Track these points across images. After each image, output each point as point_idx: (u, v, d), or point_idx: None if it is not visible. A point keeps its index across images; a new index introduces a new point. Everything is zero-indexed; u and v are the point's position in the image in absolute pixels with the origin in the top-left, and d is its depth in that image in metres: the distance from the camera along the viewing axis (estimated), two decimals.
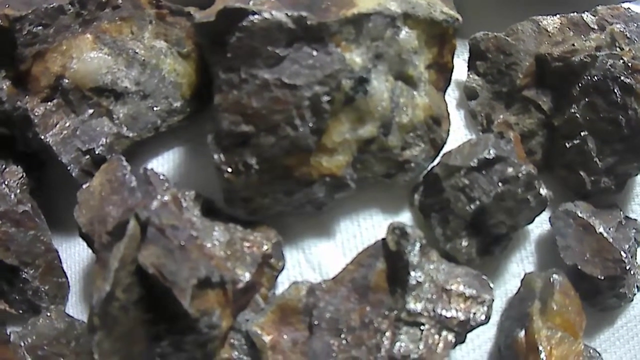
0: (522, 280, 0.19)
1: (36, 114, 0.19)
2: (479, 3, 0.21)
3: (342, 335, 0.17)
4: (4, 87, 0.19)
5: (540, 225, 0.20)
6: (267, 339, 0.17)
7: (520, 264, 0.20)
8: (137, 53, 0.20)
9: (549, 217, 0.20)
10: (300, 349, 0.17)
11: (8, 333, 0.20)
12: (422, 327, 0.16)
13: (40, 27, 0.19)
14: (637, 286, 0.20)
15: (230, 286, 0.16)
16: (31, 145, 0.21)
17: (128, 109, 0.20)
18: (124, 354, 0.15)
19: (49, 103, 0.20)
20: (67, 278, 0.22)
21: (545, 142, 0.20)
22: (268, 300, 0.18)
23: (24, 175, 0.21)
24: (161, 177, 0.17)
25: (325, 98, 0.16)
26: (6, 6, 0.19)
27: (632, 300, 0.21)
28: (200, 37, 0.17)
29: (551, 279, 0.18)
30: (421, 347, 0.16)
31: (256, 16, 0.16)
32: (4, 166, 0.21)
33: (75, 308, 0.22)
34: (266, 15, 0.16)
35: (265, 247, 0.18)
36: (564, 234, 0.19)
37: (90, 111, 0.20)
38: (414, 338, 0.16)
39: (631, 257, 0.19)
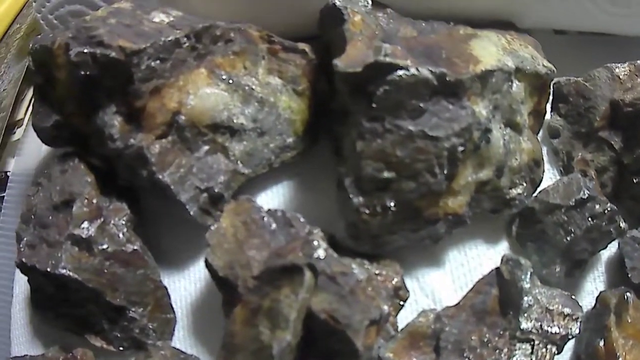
0: (597, 297, 0.25)
1: (152, 152, 0.21)
2: (559, 51, 0.25)
3: (465, 354, 0.21)
4: (116, 123, 0.20)
5: (608, 250, 0.26)
6: None
7: (593, 283, 0.26)
8: (253, 90, 0.22)
9: (618, 243, 0.25)
10: None
11: None
12: (532, 343, 0.21)
13: (158, 62, 0.20)
14: None
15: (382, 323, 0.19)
16: (136, 182, 0.22)
17: (244, 145, 0.22)
18: None
19: (164, 140, 0.21)
20: (174, 313, 0.24)
21: (615, 177, 0.25)
22: (395, 327, 0.22)
23: (129, 212, 0.22)
24: (301, 219, 0.20)
25: (460, 148, 0.20)
26: (117, 37, 0.20)
27: None
28: (341, 84, 0.20)
29: (625, 297, 0.23)
30: (533, 359, 0.21)
31: (404, 71, 0.19)
32: (108, 204, 0.22)
33: (183, 342, 0.24)
34: (413, 71, 0.19)
35: (395, 280, 0.21)
36: (631, 257, 0.25)
37: (206, 148, 0.22)
38: (527, 352, 0.21)
39: None
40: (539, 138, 0.26)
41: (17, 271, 0.28)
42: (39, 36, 0.22)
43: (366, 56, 0.19)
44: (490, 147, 0.21)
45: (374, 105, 0.19)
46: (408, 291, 0.22)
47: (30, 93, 0.30)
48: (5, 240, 0.30)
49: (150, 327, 0.23)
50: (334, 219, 0.23)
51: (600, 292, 0.25)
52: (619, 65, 0.26)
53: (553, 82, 0.26)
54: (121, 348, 0.24)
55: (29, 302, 0.28)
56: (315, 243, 0.18)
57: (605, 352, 0.23)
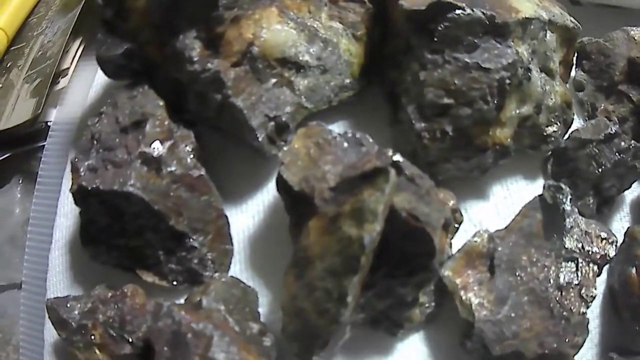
0: (625, 232, 0.29)
1: (228, 77, 0.23)
2: (582, 16, 0.30)
3: (517, 273, 0.24)
4: (196, 47, 0.23)
5: (631, 192, 0.31)
6: (458, 280, 0.24)
7: (620, 222, 0.30)
8: (317, 30, 0.26)
9: None
10: (487, 287, 0.24)
11: (199, 299, 0.22)
12: (577, 262, 0.24)
13: None
14: None
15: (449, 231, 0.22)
16: (203, 111, 0.24)
17: (308, 81, 0.26)
18: (355, 303, 0.20)
19: (238, 68, 0.24)
20: (232, 245, 0.25)
21: (635, 126, 0.30)
22: (450, 248, 0.24)
23: (195, 141, 0.24)
24: (370, 139, 0.22)
25: (508, 81, 0.24)
26: None
27: None
28: (405, 22, 0.24)
29: None
30: (579, 276, 0.24)
31: (462, 11, 0.23)
32: (177, 130, 0.24)
33: (239, 276, 0.26)
34: (469, 11, 0.23)
35: (452, 203, 0.24)
36: None
37: (274, 80, 0.25)
38: (572, 270, 0.24)
39: None
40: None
41: (58, 216, 0.30)
42: None
43: None
44: (531, 84, 0.26)
45: (435, 39, 0.23)
46: (462, 215, 0.25)
47: (76, 46, 0.32)
48: (45, 187, 0.31)
49: (209, 257, 0.25)
50: None
51: (628, 228, 0.29)
52: (634, 28, 0.32)
53: (577, 42, 0.31)
54: (175, 283, 0.25)
55: (70, 247, 0.29)
56: (389, 152, 0.21)
57: (637, 278, 0.27)
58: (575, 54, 0.29)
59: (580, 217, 0.27)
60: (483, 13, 0.24)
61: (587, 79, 0.31)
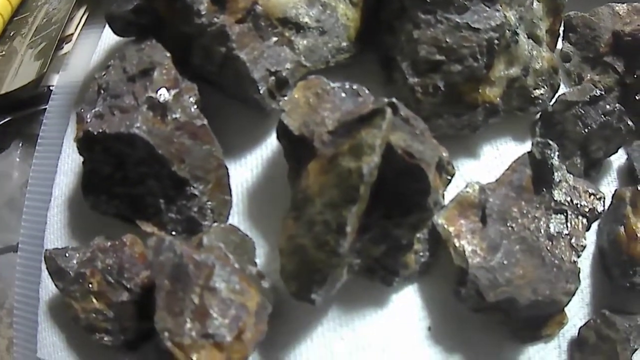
0: (613, 195, 0.30)
1: (233, 31, 0.25)
2: None
3: (509, 224, 0.26)
4: (204, 2, 0.25)
5: (618, 158, 0.33)
6: (451, 229, 0.25)
7: (607, 186, 0.32)
8: None
9: (626, 151, 0.32)
10: (479, 236, 0.26)
11: (200, 239, 0.23)
12: (566, 213, 0.26)
13: None
14: None
15: (443, 174, 0.24)
16: (206, 65, 0.26)
17: (307, 41, 0.28)
18: (353, 237, 0.21)
19: (242, 25, 0.26)
20: (231, 196, 0.27)
21: (620, 96, 0.33)
22: (447, 200, 0.26)
23: (198, 94, 0.26)
24: (366, 91, 0.24)
25: (496, 41, 0.26)
26: None
27: None
28: None
29: (638, 188, 0.29)
30: (568, 227, 0.26)
31: None
32: (182, 81, 0.26)
33: (239, 226, 0.27)
34: None
35: (445, 154, 0.26)
36: (639, 161, 0.31)
37: (275, 39, 0.27)
38: (562, 221, 0.26)
39: None
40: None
41: (58, 174, 0.31)
42: None
43: None
44: (519, 47, 0.28)
45: (428, 1, 0.26)
46: (454, 168, 0.27)
47: (80, 13, 0.34)
48: (45, 148, 0.32)
49: (209, 206, 0.26)
50: None
51: (616, 190, 0.31)
52: (618, 4, 0.35)
53: (564, 15, 0.34)
54: (174, 233, 0.27)
55: (69, 204, 0.30)
56: (385, 98, 0.23)
57: (626, 236, 0.29)
58: (562, 25, 0.32)
59: (568, 174, 0.29)
60: None
61: (573, 50, 0.34)
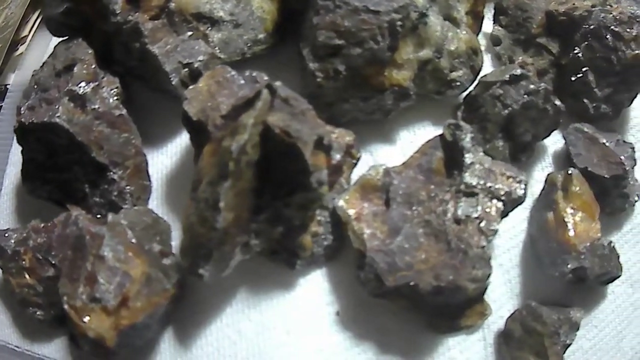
0: (545, 180, 0.29)
1: (146, 27, 0.28)
2: None
3: (414, 207, 0.26)
4: (119, 1, 0.28)
5: (555, 143, 0.32)
6: (351, 211, 0.26)
7: (542, 172, 0.31)
8: None
9: (562, 134, 0.31)
10: (381, 219, 0.26)
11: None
12: (477, 197, 0.26)
13: None
14: (637, 194, 0.31)
15: (331, 156, 0.25)
16: (128, 61, 0.29)
17: (222, 34, 0.30)
18: (236, 215, 0.23)
19: (156, 21, 0.29)
20: (150, 182, 0.29)
21: (555, 78, 0.32)
22: (349, 183, 0.27)
23: (119, 87, 0.29)
24: (265, 77, 0.26)
25: (399, 23, 0.27)
26: None
27: (634, 206, 0.31)
28: None
29: (569, 171, 0.28)
30: (479, 210, 0.26)
31: None
32: (103, 75, 0.29)
33: (156, 210, 0.29)
34: None
35: (347, 139, 0.27)
36: (575, 145, 0.30)
37: (189, 33, 0.30)
38: (472, 204, 0.26)
39: (630, 167, 0.30)
40: (482, 47, 0.33)
41: (9, 164, 0.35)
42: None
43: None
44: (428, 28, 0.28)
45: None
46: (360, 151, 0.28)
47: (35, 16, 0.39)
48: (0, 142, 0.37)
49: (128, 190, 0.29)
50: None
51: (548, 174, 0.30)
52: None
53: None
54: (99, 216, 0.29)
55: (17, 192, 0.34)
56: (277, 83, 0.24)
57: (555, 222, 0.28)
58: (484, 6, 0.31)
59: (486, 157, 0.28)
60: None
61: (504, 33, 0.33)
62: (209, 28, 0.30)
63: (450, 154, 0.27)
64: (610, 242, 0.29)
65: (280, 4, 0.31)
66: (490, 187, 0.27)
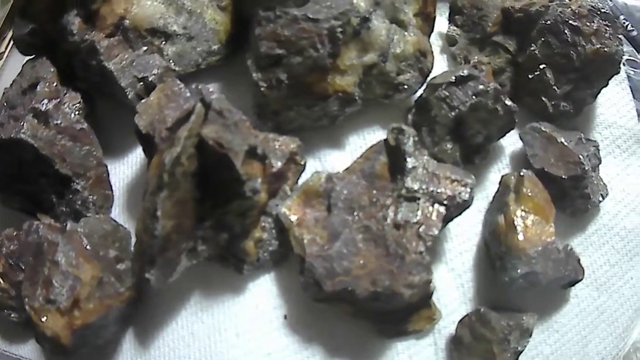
0: (499, 182, 0.29)
1: (102, 45, 0.30)
2: None
3: (355, 213, 0.27)
4: (76, 22, 0.30)
5: (513, 144, 0.31)
6: (293, 217, 0.27)
7: (498, 173, 0.31)
8: (184, 3, 0.32)
9: (519, 134, 0.30)
10: (322, 224, 0.27)
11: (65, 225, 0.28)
12: (418, 202, 0.26)
13: None
14: (601, 194, 0.30)
15: (268, 164, 0.26)
16: (89, 77, 0.31)
17: (176, 48, 0.31)
18: (177, 222, 0.25)
19: (112, 39, 0.30)
20: (112, 191, 0.31)
21: (512, 76, 0.31)
22: (293, 190, 0.28)
23: (82, 102, 0.31)
24: (210, 89, 0.28)
25: (339, 29, 0.28)
26: None
27: (598, 206, 0.30)
28: None
29: (522, 173, 0.28)
30: (419, 215, 0.26)
31: None
32: (65, 92, 0.31)
33: (118, 218, 0.31)
34: None
35: (292, 146, 0.28)
36: (531, 145, 0.30)
37: (144, 48, 0.31)
38: (413, 209, 0.26)
39: (592, 168, 0.30)
40: (437, 48, 0.33)
41: None
42: None
43: None
44: (371, 33, 0.29)
45: None
46: (304, 158, 0.29)
47: (11, 32, 0.42)
48: None
49: (91, 200, 0.31)
50: (250, 115, 0.29)
51: (502, 176, 0.30)
52: None
53: None
54: (65, 224, 0.32)
55: None
56: (214, 94, 0.25)
57: (505, 226, 0.28)
58: (435, 6, 0.31)
59: (431, 161, 0.28)
60: None
61: (460, 33, 0.33)
62: (164, 42, 0.31)
63: (394, 159, 0.28)
64: (567, 245, 0.28)
65: (232, 14, 0.32)
66: (432, 191, 0.27)
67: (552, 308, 0.29)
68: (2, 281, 0.31)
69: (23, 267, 0.30)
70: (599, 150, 0.31)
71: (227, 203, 0.25)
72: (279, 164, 0.27)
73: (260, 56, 0.28)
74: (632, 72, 0.34)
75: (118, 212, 0.31)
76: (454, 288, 0.29)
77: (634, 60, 0.35)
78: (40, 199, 0.32)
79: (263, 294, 0.28)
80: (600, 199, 0.30)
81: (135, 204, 0.32)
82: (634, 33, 0.37)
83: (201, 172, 0.25)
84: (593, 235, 0.31)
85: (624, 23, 0.37)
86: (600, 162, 0.31)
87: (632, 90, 0.33)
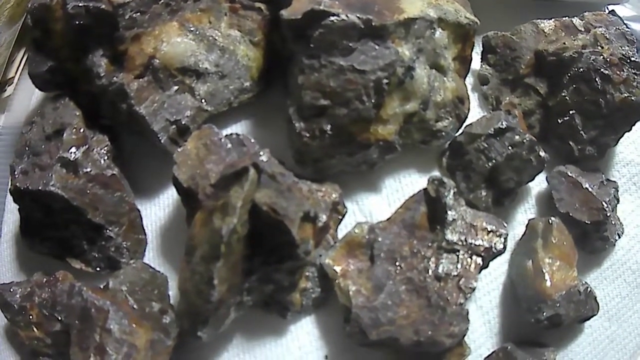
0: (527, 225, 0.32)
1: (131, 88, 0.29)
2: (490, 8, 0.34)
3: (397, 263, 0.28)
4: (103, 64, 0.29)
5: (539, 185, 0.33)
6: (337, 268, 0.28)
7: (524, 214, 0.33)
8: (216, 40, 0.31)
9: (546, 177, 0.32)
10: (366, 275, 0.28)
11: (106, 282, 0.29)
12: (458, 253, 0.28)
13: (139, 14, 0.29)
14: (618, 234, 0.33)
15: (318, 221, 0.27)
16: (117, 117, 0.30)
17: (207, 86, 0.31)
18: (229, 284, 0.25)
19: (141, 80, 0.29)
20: (145, 235, 0.31)
21: (542, 119, 0.33)
22: (335, 239, 0.29)
23: (110, 144, 0.31)
24: (252, 140, 0.28)
25: (385, 81, 0.28)
26: None
27: (614, 245, 0.33)
28: (285, 30, 0.28)
29: (550, 221, 0.30)
30: (459, 267, 0.28)
31: (336, 17, 0.27)
32: (93, 135, 0.30)
33: (153, 262, 0.31)
34: (343, 17, 0.27)
35: (334, 196, 0.29)
36: (558, 189, 0.32)
37: (175, 88, 0.30)
38: (453, 261, 0.28)
39: (612, 209, 0.32)
40: (469, 86, 0.33)
41: (6, 211, 0.37)
42: None
43: (306, 6, 0.28)
44: (414, 82, 0.29)
45: (311, 45, 0.27)
46: (346, 207, 0.29)
47: (20, 55, 0.39)
48: None
49: (124, 245, 0.31)
50: (285, 152, 0.30)
51: (529, 220, 0.32)
52: (544, 20, 0.34)
53: (483, 36, 0.34)
54: (98, 269, 0.32)
55: (16, 240, 0.36)
56: (261, 152, 0.26)
57: (533, 270, 0.30)
58: (472, 49, 0.31)
59: (468, 210, 0.30)
60: (359, 18, 0.27)
61: (492, 72, 0.34)
62: (195, 81, 0.30)
63: (433, 210, 0.29)
64: (587, 286, 0.31)
65: (265, 50, 0.32)
66: (470, 243, 0.29)
67: (568, 339, 0.32)
68: (36, 330, 0.31)
69: (59, 318, 0.30)
70: (618, 191, 0.33)
71: (279, 262, 0.26)
72: (324, 217, 0.28)
73: (304, 106, 0.28)
74: None
75: (152, 256, 0.32)
76: (481, 324, 0.31)
77: None
78: (70, 245, 0.31)
79: (305, 336, 0.30)
80: (617, 238, 0.33)
81: (170, 246, 0.32)
82: None
83: (252, 232, 0.26)
84: (607, 270, 0.34)
85: None
86: (618, 202, 0.33)
87: None
